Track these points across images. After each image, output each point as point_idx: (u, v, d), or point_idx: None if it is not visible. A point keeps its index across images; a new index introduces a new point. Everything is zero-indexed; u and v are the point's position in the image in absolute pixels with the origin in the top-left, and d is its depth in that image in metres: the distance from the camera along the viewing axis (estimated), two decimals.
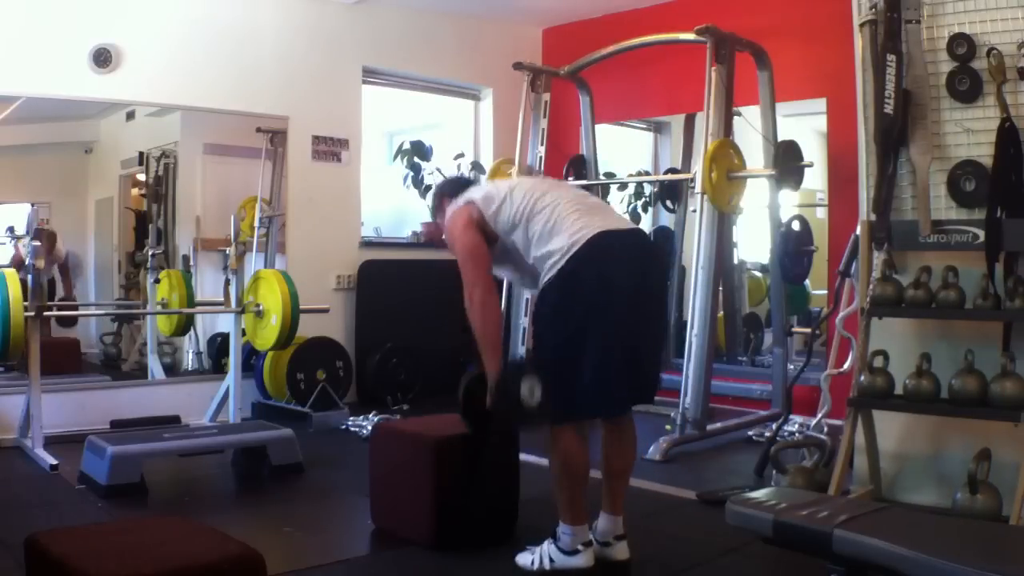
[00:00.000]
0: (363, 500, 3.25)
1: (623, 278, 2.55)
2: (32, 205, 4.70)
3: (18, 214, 4.93)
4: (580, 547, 2.64)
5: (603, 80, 5.84)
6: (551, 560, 2.66)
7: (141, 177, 5.55)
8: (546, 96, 5.61)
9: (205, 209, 5.57)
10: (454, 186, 2.99)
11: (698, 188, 4.42)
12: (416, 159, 6.12)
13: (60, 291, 5.23)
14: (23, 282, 3.96)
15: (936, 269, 3.30)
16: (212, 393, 4.63)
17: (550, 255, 2.56)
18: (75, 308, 5.39)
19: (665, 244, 6.44)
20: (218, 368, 5.32)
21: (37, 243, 4.04)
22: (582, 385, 2.53)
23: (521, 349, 5.50)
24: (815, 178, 5.17)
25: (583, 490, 2.66)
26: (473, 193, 2.79)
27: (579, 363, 2.52)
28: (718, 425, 4.68)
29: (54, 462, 3.85)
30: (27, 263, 4.08)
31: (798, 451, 3.68)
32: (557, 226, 2.58)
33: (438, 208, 2.97)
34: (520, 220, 2.65)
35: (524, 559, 2.74)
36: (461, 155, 6.30)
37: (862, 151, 3.59)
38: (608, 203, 2.74)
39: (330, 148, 5.73)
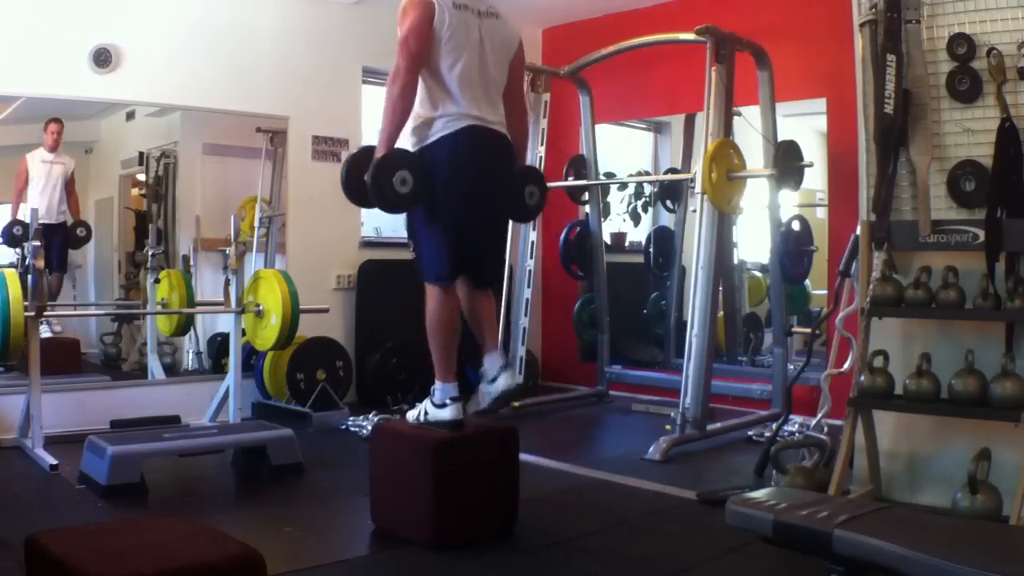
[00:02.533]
0: (363, 500, 3.25)
1: (475, 174, 2.95)
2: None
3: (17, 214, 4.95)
4: (448, 401, 3.00)
5: (603, 80, 5.84)
6: (426, 413, 3.06)
7: (141, 177, 5.55)
8: (546, 96, 5.61)
9: (205, 209, 5.57)
10: None
11: (698, 188, 4.42)
12: None
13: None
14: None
15: (936, 269, 3.30)
16: (212, 393, 4.63)
17: (427, 120, 2.93)
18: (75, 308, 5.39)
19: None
20: (218, 368, 5.32)
21: (37, 243, 4.04)
22: (444, 247, 2.94)
23: (521, 349, 5.51)
24: (815, 178, 5.17)
25: (452, 346, 3.02)
26: None
27: (436, 231, 2.94)
28: (718, 425, 4.69)
29: (54, 462, 3.84)
30: (27, 263, 4.07)
31: (798, 451, 3.68)
32: (446, 89, 2.90)
33: None
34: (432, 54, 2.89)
35: (411, 414, 3.14)
36: None
37: (862, 151, 3.59)
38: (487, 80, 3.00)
39: (330, 148, 5.73)
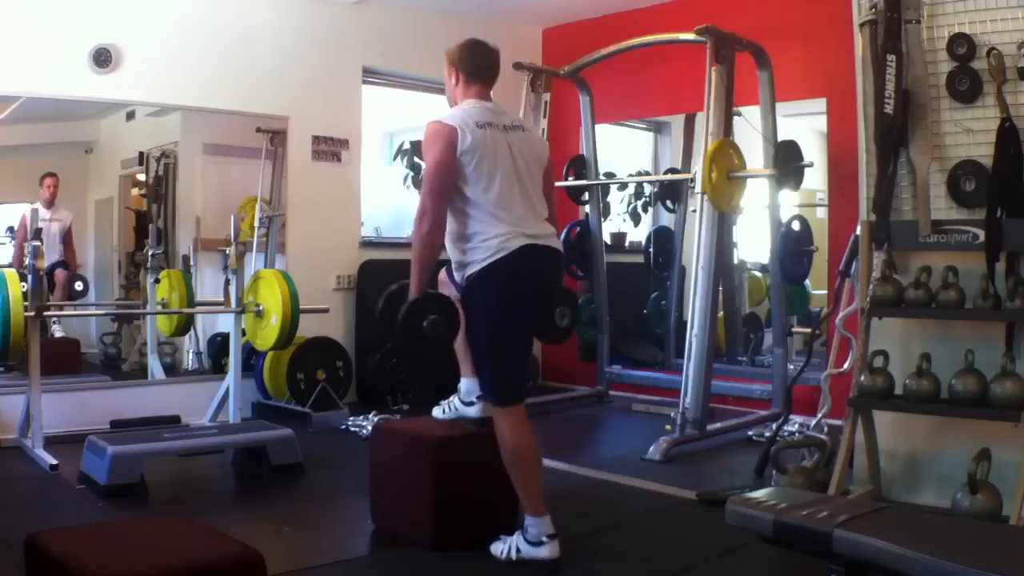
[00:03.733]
0: (363, 500, 3.25)
1: (532, 293, 2.87)
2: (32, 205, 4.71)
3: (18, 214, 4.94)
4: (545, 539, 2.80)
5: (603, 80, 5.84)
6: (518, 550, 2.84)
7: (141, 177, 5.55)
8: (546, 96, 5.60)
9: (205, 209, 5.57)
10: (468, 66, 2.94)
11: (698, 188, 4.42)
12: (416, 159, 6.12)
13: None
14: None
15: (936, 269, 3.30)
16: (212, 393, 4.63)
17: (471, 248, 2.80)
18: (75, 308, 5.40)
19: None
20: (218, 368, 5.31)
21: (37, 243, 4.04)
22: (504, 371, 2.85)
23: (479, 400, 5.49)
24: (815, 178, 5.17)
25: (537, 478, 2.84)
26: (465, 118, 2.81)
27: (503, 353, 2.85)
28: (718, 425, 4.68)
29: (54, 462, 3.84)
30: (27, 263, 4.07)
31: (798, 451, 3.68)
32: (487, 212, 2.78)
33: (448, 74, 2.98)
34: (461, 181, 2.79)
35: (496, 548, 2.90)
36: None
37: (862, 151, 3.59)
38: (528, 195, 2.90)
39: (330, 148, 5.73)
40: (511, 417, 2.84)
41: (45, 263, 4.83)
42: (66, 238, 5.18)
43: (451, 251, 2.88)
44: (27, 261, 4.07)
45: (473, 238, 2.80)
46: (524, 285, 2.83)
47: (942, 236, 3.33)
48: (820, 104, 5.28)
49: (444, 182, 2.75)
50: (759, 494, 2.42)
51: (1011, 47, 3.22)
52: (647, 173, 6.99)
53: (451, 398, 3.13)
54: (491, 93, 2.96)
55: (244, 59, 5.32)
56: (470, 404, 3.04)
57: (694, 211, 4.77)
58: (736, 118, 4.64)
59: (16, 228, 4.98)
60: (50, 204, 5.08)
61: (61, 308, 5.16)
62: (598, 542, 3.08)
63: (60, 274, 5.14)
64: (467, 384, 3.05)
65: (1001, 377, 3.06)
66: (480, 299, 2.81)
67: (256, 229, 5.69)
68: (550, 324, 3.06)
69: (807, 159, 4.72)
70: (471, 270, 2.80)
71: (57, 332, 5.16)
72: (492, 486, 3.03)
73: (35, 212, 4.18)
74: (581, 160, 5.88)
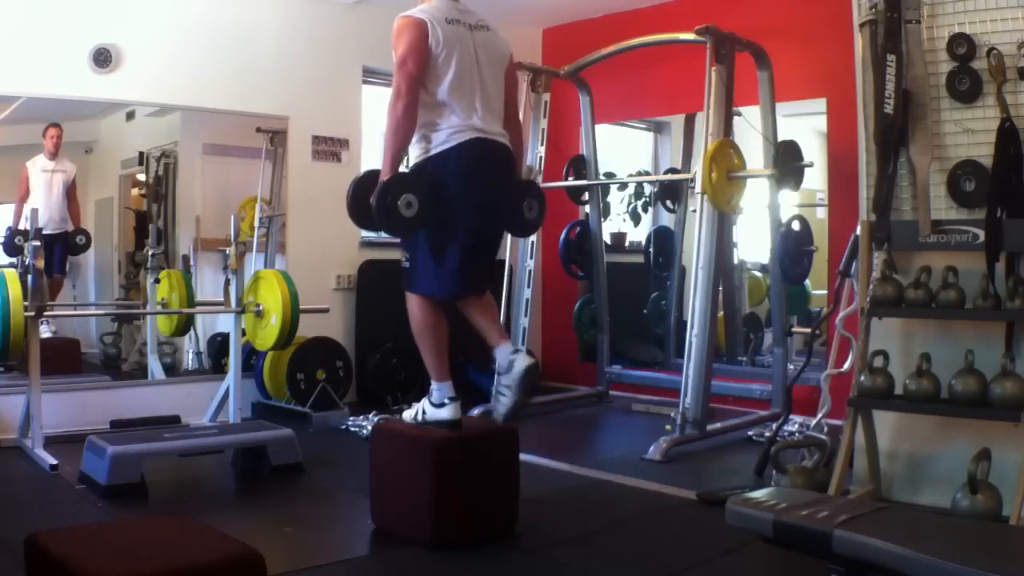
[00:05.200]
0: (363, 500, 3.25)
1: (478, 186, 2.94)
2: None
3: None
4: (447, 400, 3.02)
5: (603, 80, 5.84)
6: (424, 412, 3.07)
7: (141, 177, 5.54)
8: (546, 96, 5.61)
9: (205, 209, 5.57)
10: None
11: (698, 188, 4.42)
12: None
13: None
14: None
15: (936, 269, 3.30)
16: (212, 393, 4.63)
17: (426, 136, 2.93)
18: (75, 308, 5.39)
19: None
20: (218, 368, 5.31)
21: (37, 243, 4.04)
22: (452, 265, 2.93)
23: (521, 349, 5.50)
24: (815, 178, 5.17)
25: (443, 348, 3.04)
26: (435, 13, 2.94)
27: (443, 247, 2.93)
28: (718, 425, 4.68)
29: (54, 462, 3.84)
30: (27, 263, 4.07)
31: (798, 451, 3.68)
32: (445, 104, 2.90)
33: None
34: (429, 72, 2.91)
35: (407, 414, 3.16)
36: None
37: (862, 151, 3.59)
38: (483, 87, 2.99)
39: (330, 148, 5.73)
40: (420, 299, 2.99)
41: (48, 220, 4.91)
42: (70, 191, 5.13)
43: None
44: (28, 260, 4.06)
45: (424, 127, 2.93)
46: (471, 175, 2.91)
47: (942, 236, 3.33)
48: (820, 104, 5.28)
49: (418, 66, 2.87)
50: (759, 494, 2.42)
51: (1011, 47, 3.22)
52: (647, 173, 6.98)
53: (422, 401, 3.12)
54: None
55: (244, 59, 5.32)
56: (441, 406, 3.04)
57: (694, 211, 4.77)
58: (736, 118, 4.64)
59: (18, 184, 4.96)
60: (53, 155, 5.04)
61: (58, 307, 5.16)
62: (598, 542, 3.08)
63: (58, 279, 5.13)
64: (437, 387, 3.05)
65: (1001, 377, 3.06)
66: (426, 185, 2.89)
67: (256, 229, 5.69)
68: (517, 216, 3.20)
69: (807, 159, 4.72)
70: (419, 157, 2.95)
71: (44, 332, 5.11)
72: (492, 486, 3.04)
73: (35, 212, 4.17)
74: (581, 160, 5.88)
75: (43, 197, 4.99)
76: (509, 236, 5.33)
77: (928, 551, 1.94)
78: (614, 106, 6.22)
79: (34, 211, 4.19)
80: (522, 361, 2.96)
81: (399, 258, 3.10)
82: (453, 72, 2.90)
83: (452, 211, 2.91)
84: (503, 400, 2.95)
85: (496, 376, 3.02)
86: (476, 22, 3.04)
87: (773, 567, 2.84)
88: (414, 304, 3.02)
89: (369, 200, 2.89)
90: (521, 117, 5.45)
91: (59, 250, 5.08)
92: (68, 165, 5.12)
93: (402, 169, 2.96)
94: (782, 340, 5.08)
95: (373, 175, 2.95)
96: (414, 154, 2.99)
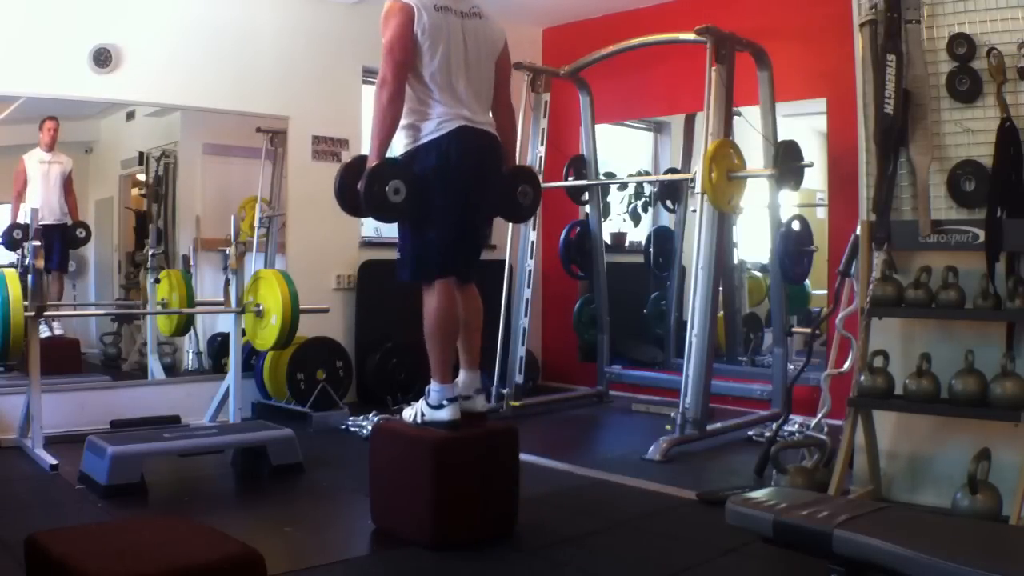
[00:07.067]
0: (363, 500, 3.25)
1: (465, 175, 2.96)
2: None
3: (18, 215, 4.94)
4: (445, 402, 3.01)
5: (603, 80, 5.84)
6: (422, 414, 3.06)
7: (141, 177, 5.55)
8: (546, 96, 5.61)
9: (205, 209, 5.57)
10: None
11: (698, 188, 4.42)
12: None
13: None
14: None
15: (936, 269, 3.30)
16: (212, 393, 4.63)
17: (414, 124, 2.95)
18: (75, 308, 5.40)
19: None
20: (218, 368, 5.31)
21: (37, 243, 4.04)
22: (438, 245, 2.96)
23: (521, 349, 5.51)
24: (815, 178, 5.17)
25: (452, 348, 3.05)
26: None
27: (440, 227, 2.95)
28: (718, 425, 4.68)
29: (54, 462, 3.84)
30: (27, 263, 4.07)
31: (798, 451, 3.68)
32: (432, 92, 2.92)
33: None
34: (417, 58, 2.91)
35: (407, 412, 3.16)
36: None
37: (862, 151, 3.59)
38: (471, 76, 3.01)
39: (330, 148, 5.73)
40: (437, 291, 2.97)
41: (46, 212, 4.89)
42: (67, 184, 5.12)
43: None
44: (28, 261, 4.06)
45: (413, 116, 2.94)
46: (458, 164, 2.92)
47: (942, 236, 3.33)
48: (820, 104, 5.28)
49: (404, 54, 2.87)
50: (759, 494, 2.42)
51: (1011, 47, 3.22)
52: (647, 173, 6.98)
53: (420, 401, 3.12)
54: None
55: (244, 59, 5.32)
56: (439, 407, 3.03)
57: (694, 211, 4.77)
58: (736, 118, 4.64)
59: (14, 176, 4.96)
60: (50, 148, 5.03)
61: (60, 307, 5.16)
62: (598, 542, 3.08)
63: (57, 276, 5.13)
64: (437, 388, 3.04)
65: (1001, 377, 3.06)
66: (414, 173, 2.91)
67: (256, 229, 5.69)
68: (510, 202, 3.22)
69: (807, 159, 4.73)
70: (408, 147, 2.96)
71: (45, 332, 5.13)
72: (492, 486, 3.04)
73: (35, 212, 4.17)
74: (581, 160, 5.88)
75: (40, 189, 4.99)
76: (509, 235, 5.36)
77: (928, 551, 1.93)
78: (614, 106, 6.22)
79: (34, 211, 4.19)
80: (480, 404, 3.09)
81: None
82: (440, 60, 2.91)
83: (439, 198, 2.93)
84: (409, 418, 3.05)
85: (425, 400, 3.05)
86: (468, 9, 3.01)
87: (773, 567, 2.84)
88: (429, 297, 3.00)
89: (357, 186, 2.91)
90: (521, 117, 5.49)
91: (58, 244, 5.07)
92: (64, 158, 5.11)
93: (388, 155, 2.97)
94: (782, 340, 5.08)
95: (360, 161, 2.98)
96: (403, 143, 3.00)
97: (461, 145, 2.94)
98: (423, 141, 2.94)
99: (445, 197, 2.94)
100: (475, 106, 2.99)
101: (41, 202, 4.88)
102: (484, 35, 3.04)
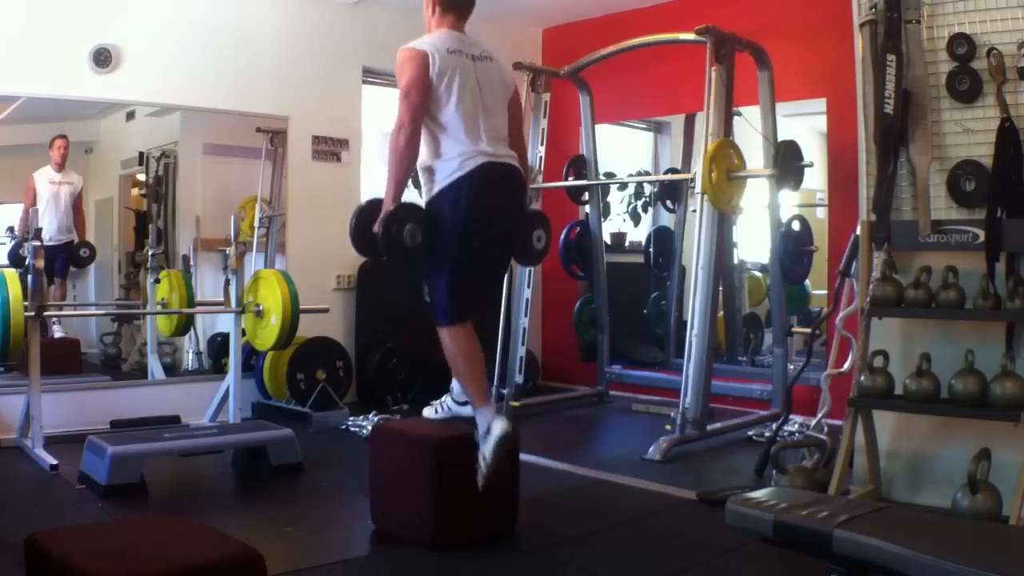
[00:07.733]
0: (363, 500, 3.25)
1: (492, 210, 2.98)
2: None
3: (18, 214, 4.94)
4: (495, 422, 2.91)
5: (603, 80, 5.84)
6: (449, 408, 3.16)
7: (141, 177, 5.55)
8: (546, 96, 5.60)
9: (205, 209, 5.57)
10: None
11: (698, 188, 4.42)
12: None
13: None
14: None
15: (936, 269, 3.30)
16: (212, 393, 4.63)
17: (436, 167, 2.95)
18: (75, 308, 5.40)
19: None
20: (218, 368, 5.31)
21: (37, 243, 4.04)
22: (459, 289, 2.96)
23: (521, 349, 5.51)
24: (815, 178, 5.17)
25: (483, 374, 3.02)
26: (437, 44, 2.96)
27: (457, 271, 2.95)
28: (718, 425, 4.68)
29: (54, 462, 3.84)
30: (27, 262, 4.07)
31: (798, 451, 3.68)
32: (451, 133, 2.93)
33: (425, 4, 3.12)
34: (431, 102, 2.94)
35: (427, 412, 3.25)
36: None
37: (862, 151, 3.59)
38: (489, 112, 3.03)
39: (330, 148, 5.73)
40: (450, 330, 2.98)
41: (54, 232, 4.94)
42: (76, 203, 5.14)
43: (419, 174, 3.03)
44: (28, 260, 4.06)
45: (435, 158, 2.96)
46: (483, 201, 2.93)
47: (942, 236, 3.33)
48: (820, 104, 5.28)
49: (420, 98, 2.90)
50: (759, 494, 2.42)
51: (1011, 47, 3.22)
52: (647, 173, 6.98)
53: (443, 398, 3.20)
54: (464, 27, 3.10)
55: (244, 59, 5.32)
56: (464, 404, 3.08)
57: (694, 211, 4.77)
58: (736, 118, 4.64)
59: (24, 194, 4.97)
60: (60, 167, 5.04)
61: (61, 308, 5.16)
62: (598, 542, 3.08)
63: (59, 283, 5.13)
64: (480, 412, 2.98)
65: (1001, 377, 3.06)
66: (440, 216, 2.93)
67: (256, 229, 5.69)
68: (527, 246, 3.27)
69: (807, 159, 4.72)
70: (434, 189, 2.96)
71: (58, 332, 5.17)
72: (492, 486, 3.04)
73: (35, 212, 4.18)
74: (581, 160, 5.88)
75: (50, 209, 5.01)
76: None
77: (928, 551, 1.93)
78: (614, 106, 6.22)
79: (34, 210, 4.21)
80: (499, 427, 2.92)
81: None
82: (456, 98, 2.93)
83: (464, 235, 2.92)
84: (481, 466, 2.89)
85: (477, 440, 2.96)
86: (480, 53, 3.05)
87: (773, 567, 2.84)
88: (444, 337, 3.00)
89: (373, 229, 2.91)
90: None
91: (61, 260, 5.10)
92: (75, 177, 5.14)
93: (404, 198, 2.97)
94: (782, 340, 5.08)
95: (376, 204, 2.98)
96: (425, 188, 3.01)
97: (486, 182, 2.94)
98: (449, 182, 2.93)
99: (464, 241, 2.93)
100: (495, 141, 3.01)
101: (49, 222, 4.91)
102: (497, 78, 3.08)
